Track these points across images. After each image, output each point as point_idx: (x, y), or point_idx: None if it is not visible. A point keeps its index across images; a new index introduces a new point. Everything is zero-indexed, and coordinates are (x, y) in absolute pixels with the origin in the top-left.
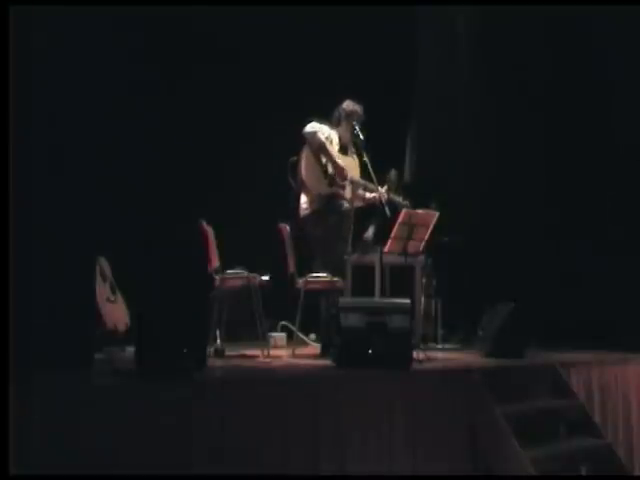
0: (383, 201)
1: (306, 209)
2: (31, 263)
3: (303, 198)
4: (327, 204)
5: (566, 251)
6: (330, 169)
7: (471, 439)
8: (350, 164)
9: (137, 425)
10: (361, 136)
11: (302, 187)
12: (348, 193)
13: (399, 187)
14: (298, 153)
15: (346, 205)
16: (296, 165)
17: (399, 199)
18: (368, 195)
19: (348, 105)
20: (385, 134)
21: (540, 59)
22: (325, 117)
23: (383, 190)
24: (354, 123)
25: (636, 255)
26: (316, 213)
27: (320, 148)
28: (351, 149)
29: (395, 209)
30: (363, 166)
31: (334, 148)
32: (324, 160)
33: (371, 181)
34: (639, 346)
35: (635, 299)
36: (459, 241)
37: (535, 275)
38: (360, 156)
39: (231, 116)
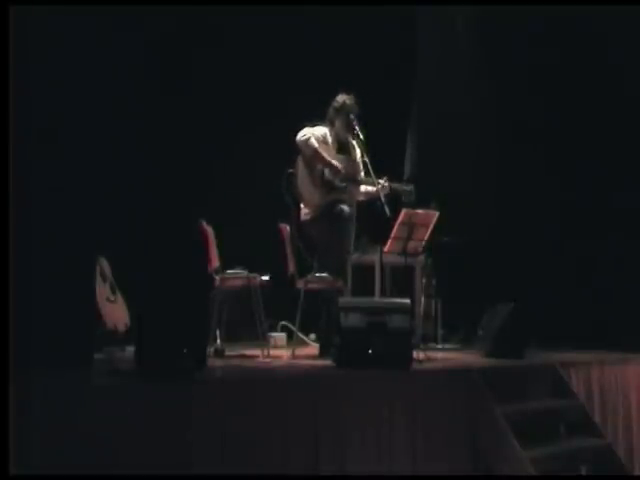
0: (383, 200)
1: (307, 214)
2: (31, 263)
3: (302, 205)
4: (327, 212)
5: (566, 251)
6: (327, 174)
7: (471, 439)
8: (349, 161)
9: (137, 425)
10: (361, 136)
11: (300, 197)
12: (349, 193)
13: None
14: (294, 162)
15: (347, 210)
16: (292, 177)
17: (401, 186)
18: (370, 189)
19: (338, 99)
20: (385, 134)
21: (540, 58)
22: (323, 117)
23: (383, 181)
24: (354, 122)
25: (636, 255)
26: (316, 219)
27: (314, 155)
28: (351, 143)
29: (395, 208)
30: (363, 165)
31: (330, 148)
32: (320, 166)
33: (370, 179)
34: (639, 346)
35: (635, 299)
36: (459, 241)
37: (535, 275)
38: (361, 150)
39: (231, 116)
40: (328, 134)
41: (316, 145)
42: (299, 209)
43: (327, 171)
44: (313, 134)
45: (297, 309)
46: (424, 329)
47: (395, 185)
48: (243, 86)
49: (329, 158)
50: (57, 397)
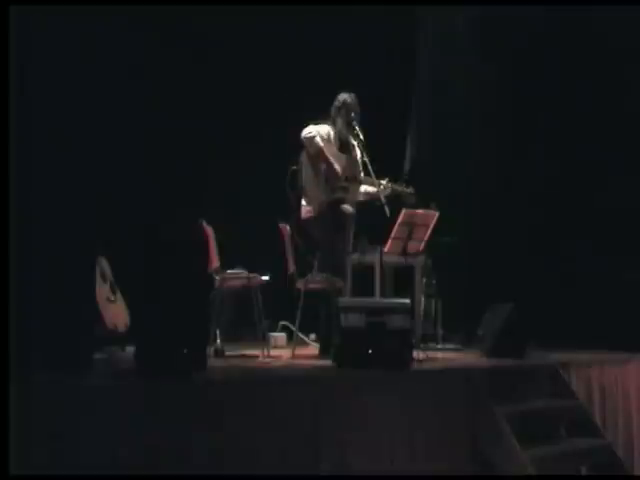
0: (383, 200)
1: (308, 212)
2: (31, 263)
3: (304, 202)
4: (329, 210)
5: (566, 251)
6: (330, 174)
7: (471, 439)
8: (351, 161)
9: (137, 425)
10: (360, 135)
11: (303, 194)
12: (351, 194)
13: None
14: (297, 159)
15: (349, 209)
16: (296, 174)
17: (402, 187)
18: (370, 189)
19: (340, 98)
20: (385, 134)
21: (540, 58)
22: (324, 117)
23: (384, 183)
24: (354, 123)
25: (636, 255)
26: (318, 218)
27: (318, 153)
28: (352, 143)
29: (395, 209)
30: (363, 164)
31: (333, 147)
32: (323, 166)
33: (371, 179)
34: (639, 346)
35: (635, 299)
36: (459, 241)
37: (535, 275)
38: (361, 150)
39: (232, 116)
40: (332, 133)
41: (321, 144)
42: (300, 206)
43: (329, 171)
44: (318, 132)
45: (297, 309)
46: (424, 329)
47: (396, 187)
48: (243, 86)
49: (332, 160)
50: (57, 397)
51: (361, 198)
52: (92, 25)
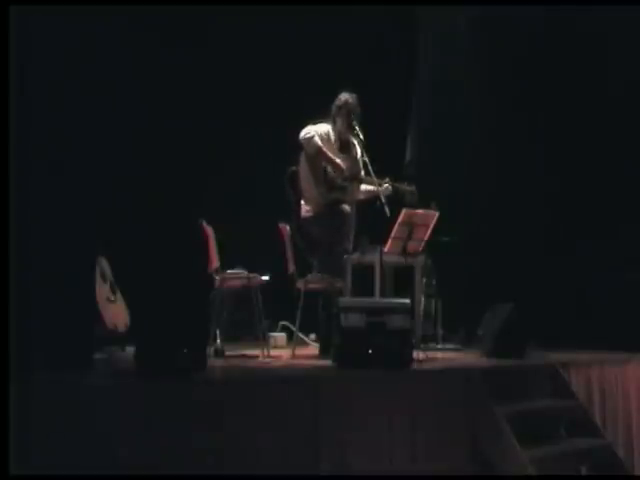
0: (383, 200)
1: (307, 211)
2: (31, 263)
3: (303, 202)
4: (327, 210)
5: (566, 251)
6: (330, 172)
7: (471, 439)
8: (351, 160)
9: (137, 425)
10: (360, 135)
11: (302, 195)
12: (350, 193)
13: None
14: (297, 160)
15: (347, 209)
16: (295, 174)
17: (404, 186)
18: (370, 188)
19: (341, 98)
20: (385, 134)
21: (540, 58)
22: (324, 116)
23: (384, 186)
24: (354, 123)
25: (636, 255)
26: (316, 217)
27: (317, 153)
28: (352, 142)
29: (395, 209)
30: (363, 164)
31: (333, 146)
32: (323, 164)
33: (371, 178)
34: (639, 346)
35: (635, 299)
36: (459, 241)
37: (535, 275)
38: (361, 149)
39: (232, 116)
40: (331, 132)
41: (319, 143)
42: (300, 207)
43: (330, 169)
44: (317, 132)
45: (297, 309)
46: (424, 329)
47: (398, 185)
48: (244, 86)
49: (332, 156)
50: (57, 397)
51: (361, 197)
52: (92, 25)
